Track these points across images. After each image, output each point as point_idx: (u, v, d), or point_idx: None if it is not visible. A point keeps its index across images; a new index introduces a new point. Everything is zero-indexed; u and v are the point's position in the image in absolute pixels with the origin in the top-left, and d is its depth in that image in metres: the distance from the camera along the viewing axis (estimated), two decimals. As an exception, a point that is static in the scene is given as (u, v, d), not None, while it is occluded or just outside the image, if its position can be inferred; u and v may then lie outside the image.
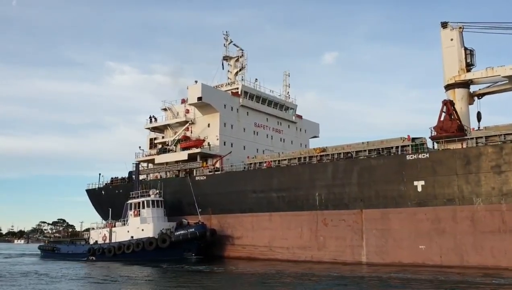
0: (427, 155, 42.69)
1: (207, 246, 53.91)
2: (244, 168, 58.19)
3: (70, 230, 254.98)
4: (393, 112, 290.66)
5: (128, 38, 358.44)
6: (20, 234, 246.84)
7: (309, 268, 40.61)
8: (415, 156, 43.15)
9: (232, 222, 54.70)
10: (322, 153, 51.71)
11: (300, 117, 77.29)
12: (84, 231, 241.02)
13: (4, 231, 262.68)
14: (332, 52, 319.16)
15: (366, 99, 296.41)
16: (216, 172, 58.60)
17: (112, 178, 71.89)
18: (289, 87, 76.70)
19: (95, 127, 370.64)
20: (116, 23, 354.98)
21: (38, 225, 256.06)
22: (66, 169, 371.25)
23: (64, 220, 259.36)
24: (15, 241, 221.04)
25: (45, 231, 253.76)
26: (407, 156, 43.73)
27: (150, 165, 68.62)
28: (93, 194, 72.91)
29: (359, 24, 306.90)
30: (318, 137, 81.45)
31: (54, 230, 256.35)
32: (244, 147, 65.57)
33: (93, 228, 60.13)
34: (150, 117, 69.69)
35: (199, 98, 61.02)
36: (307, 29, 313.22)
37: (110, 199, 67.94)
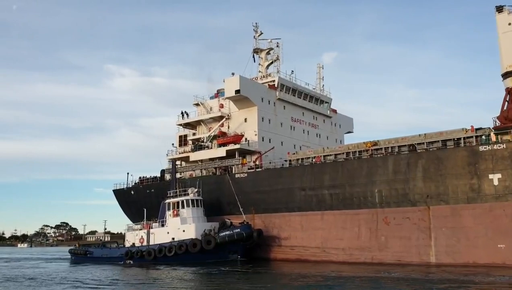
0: (504, 146, 39.19)
1: (252, 247, 50.55)
2: (282, 165, 54.98)
3: (73, 233, 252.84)
4: (392, 111, 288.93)
5: (126, 41, 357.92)
6: (23, 238, 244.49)
7: (374, 269, 37.19)
8: (489, 147, 39.66)
9: (278, 222, 51.23)
10: (374, 147, 48.37)
11: (334, 111, 73.89)
12: (87, 233, 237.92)
13: (7, 235, 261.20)
14: (331, 52, 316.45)
15: (365, 99, 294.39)
16: (257, 169, 55.25)
17: (140, 177, 68.64)
18: (323, 80, 73.37)
19: (96, 130, 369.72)
20: (115, 26, 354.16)
21: (41, 228, 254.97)
22: (68, 172, 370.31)
23: (67, 224, 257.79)
24: (19, 245, 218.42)
25: (48, 235, 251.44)
26: (479, 147, 40.24)
27: (183, 163, 65.15)
28: (121, 194, 69.56)
29: (357, 25, 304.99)
30: (352, 132, 78.14)
31: (57, 234, 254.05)
32: (282, 142, 62.18)
33: (129, 230, 56.43)
34: (182, 113, 66.33)
35: (237, 91, 57.61)
36: (306, 30, 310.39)
37: (141, 199, 64.67)
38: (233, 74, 59.43)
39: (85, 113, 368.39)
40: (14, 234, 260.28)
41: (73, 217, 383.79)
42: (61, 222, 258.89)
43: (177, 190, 54.16)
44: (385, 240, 43.82)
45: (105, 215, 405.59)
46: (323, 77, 73.43)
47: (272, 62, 68.72)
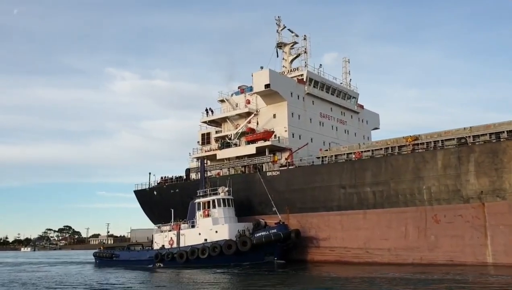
0: None
1: (288, 249, 48.07)
2: (313, 162, 52.62)
3: (76, 237, 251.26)
4: (392, 111, 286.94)
5: (127, 44, 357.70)
6: (27, 242, 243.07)
7: (429, 271, 34.78)
8: (551, 139, 37.15)
9: (316, 221, 48.71)
10: (415, 142, 45.90)
11: (361, 107, 71.38)
12: (90, 237, 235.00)
13: (10, 239, 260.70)
14: (331, 53, 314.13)
15: (365, 99, 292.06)
16: (289, 167, 52.81)
17: (162, 177, 66.27)
18: (349, 74, 70.89)
19: (97, 133, 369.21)
20: (115, 29, 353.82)
21: (44, 232, 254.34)
22: (70, 176, 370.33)
23: (70, 227, 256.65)
24: (22, 249, 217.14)
25: (51, 238, 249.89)
26: (540, 139, 37.73)
27: (208, 162, 62.62)
28: (143, 195, 67.16)
29: (357, 25, 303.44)
30: (378, 129, 75.61)
31: (60, 237, 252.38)
32: (311, 139, 59.62)
33: (159, 231, 53.84)
34: (206, 110, 63.84)
35: (267, 86, 55.11)
36: (304, 31, 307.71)
37: (164, 200, 62.31)
38: (261, 68, 57.07)
39: (86, 116, 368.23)
40: (17, 238, 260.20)
41: (76, 220, 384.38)
42: (64, 226, 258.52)
43: (207, 189, 51.76)
44: (435, 239, 41.26)
45: (108, 218, 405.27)
46: (349, 71, 71.06)
47: (296, 56, 66.25)
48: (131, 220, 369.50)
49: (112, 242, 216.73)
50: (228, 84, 68.16)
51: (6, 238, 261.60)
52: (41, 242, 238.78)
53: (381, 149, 48.35)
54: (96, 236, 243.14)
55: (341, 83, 68.21)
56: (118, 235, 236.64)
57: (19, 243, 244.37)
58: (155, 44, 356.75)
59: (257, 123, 58.34)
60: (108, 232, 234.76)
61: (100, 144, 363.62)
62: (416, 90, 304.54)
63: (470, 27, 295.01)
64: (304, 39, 64.61)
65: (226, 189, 51.42)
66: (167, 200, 61.41)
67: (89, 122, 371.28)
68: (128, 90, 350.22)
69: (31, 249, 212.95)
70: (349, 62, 71.36)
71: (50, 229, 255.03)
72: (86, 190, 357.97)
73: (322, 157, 52.62)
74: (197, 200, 51.55)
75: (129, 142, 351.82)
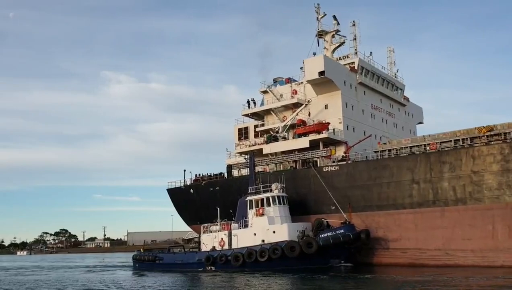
0: None
1: (354, 251, 43.68)
2: (367, 157, 48.23)
3: (73, 240, 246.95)
4: None
5: (123, 48, 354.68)
6: (23, 246, 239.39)
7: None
8: None
9: (384, 221, 44.24)
10: (491, 133, 41.59)
11: (407, 99, 67.10)
12: (87, 240, 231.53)
13: (6, 243, 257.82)
14: None
15: None
16: (349, 161, 48.41)
17: (197, 175, 61.73)
18: (394, 64, 66.66)
19: (94, 137, 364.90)
20: (111, 33, 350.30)
21: (41, 236, 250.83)
22: (66, 179, 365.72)
23: (66, 230, 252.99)
24: (18, 252, 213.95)
25: (48, 242, 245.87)
26: None
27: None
28: (177, 193, 62.50)
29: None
30: (423, 123, 71.37)
31: (56, 241, 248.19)
32: (364, 132, 55.24)
33: (206, 232, 49.10)
34: (248, 102, 59.27)
35: (321, 73, 50.73)
36: (301, 35, 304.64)
37: (202, 199, 57.84)
38: (314, 54, 52.80)
39: (82, 120, 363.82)
40: (13, 241, 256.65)
41: (72, 224, 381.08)
42: (60, 229, 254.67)
43: (259, 185, 47.32)
44: (531, 239, 36.95)
45: (104, 221, 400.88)
46: (394, 61, 66.83)
47: (339, 45, 61.85)
48: (127, 223, 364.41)
49: (108, 245, 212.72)
50: (262, 76, 63.76)
51: (2, 241, 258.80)
52: (37, 246, 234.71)
53: (450, 141, 44.06)
54: (92, 239, 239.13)
55: (388, 74, 63.99)
56: (115, 238, 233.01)
57: (15, 247, 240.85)
58: (151, 48, 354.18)
59: (309, 114, 53.86)
60: (105, 235, 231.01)
61: (96, 148, 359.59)
62: (413, 92, 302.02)
63: (466, 29, 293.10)
64: (353, 25, 60.53)
65: (280, 185, 47.00)
66: (205, 199, 57.00)
67: (85, 126, 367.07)
68: (124, 94, 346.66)
69: (27, 252, 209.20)
70: (393, 52, 67.19)
71: (46, 233, 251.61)
72: (83, 193, 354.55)
73: (381, 151, 48.23)
74: (248, 198, 47.10)
75: (126, 146, 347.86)
